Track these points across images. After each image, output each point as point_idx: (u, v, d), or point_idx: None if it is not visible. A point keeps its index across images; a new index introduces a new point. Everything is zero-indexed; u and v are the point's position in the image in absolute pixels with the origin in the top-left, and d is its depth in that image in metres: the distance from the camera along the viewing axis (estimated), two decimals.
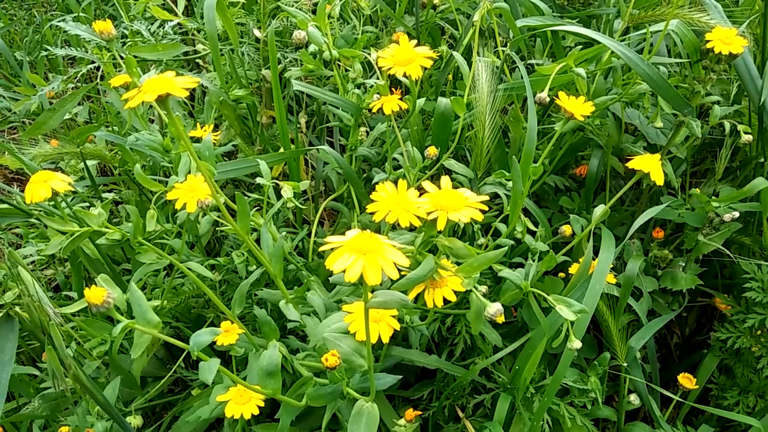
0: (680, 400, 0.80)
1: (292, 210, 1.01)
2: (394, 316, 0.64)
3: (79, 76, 0.85)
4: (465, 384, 0.74)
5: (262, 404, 0.62)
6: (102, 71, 1.01)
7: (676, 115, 0.77)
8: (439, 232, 0.52)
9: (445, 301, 0.54)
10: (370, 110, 0.93)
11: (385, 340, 0.49)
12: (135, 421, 0.72)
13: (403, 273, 0.53)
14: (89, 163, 1.12)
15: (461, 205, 0.49)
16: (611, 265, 0.78)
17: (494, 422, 0.68)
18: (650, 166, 0.59)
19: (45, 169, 1.43)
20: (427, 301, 0.54)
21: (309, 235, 0.92)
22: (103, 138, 1.02)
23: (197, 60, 1.21)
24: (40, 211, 0.71)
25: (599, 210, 0.69)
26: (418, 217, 0.50)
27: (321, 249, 0.42)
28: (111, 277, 0.82)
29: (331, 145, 1.16)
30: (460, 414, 0.76)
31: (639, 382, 0.79)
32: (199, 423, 0.77)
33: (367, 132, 0.99)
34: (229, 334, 0.72)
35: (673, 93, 0.70)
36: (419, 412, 0.58)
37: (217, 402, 0.65)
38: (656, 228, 0.86)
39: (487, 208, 0.50)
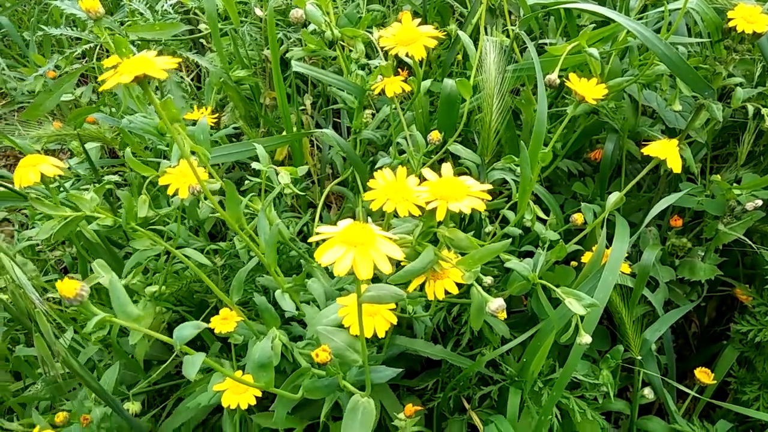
0: (696, 395, 0.77)
1: (294, 195, 0.99)
2: (393, 309, 0.62)
3: (75, 56, 0.83)
4: (471, 375, 0.72)
5: (260, 394, 0.61)
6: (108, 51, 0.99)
7: (695, 97, 0.73)
8: (440, 222, 0.49)
9: (448, 292, 0.51)
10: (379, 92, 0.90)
11: (381, 334, 0.47)
12: (133, 407, 0.70)
13: (403, 264, 0.51)
14: (94, 145, 1.10)
15: (462, 194, 0.46)
16: (626, 254, 0.75)
17: (500, 416, 0.66)
18: (667, 152, 0.55)
19: (50, 150, 1.42)
20: (428, 293, 0.51)
21: (314, 219, 0.89)
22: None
23: (201, 40, 1.19)
24: (36, 194, 0.70)
25: (613, 197, 0.65)
26: (419, 206, 0.47)
27: (311, 240, 0.40)
28: (111, 261, 0.82)
29: (338, 127, 1.13)
30: (466, 405, 0.73)
31: (653, 376, 0.76)
32: (200, 409, 0.76)
33: (373, 114, 0.96)
34: (227, 321, 0.70)
35: (692, 74, 0.66)
36: (420, 408, 0.56)
37: (213, 391, 0.64)
38: (674, 216, 0.82)
39: (489, 197, 0.47)
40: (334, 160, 0.95)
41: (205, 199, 0.60)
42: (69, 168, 1.00)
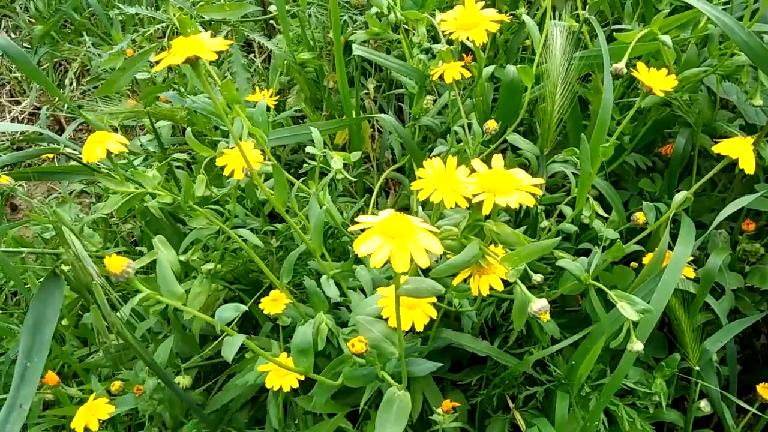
0: (757, 412, 0.72)
1: (350, 180, 0.99)
2: (434, 304, 0.61)
3: (148, 35, 0.85)
4: (517, 374, 0.70)
5: (302, 378, 0.61)
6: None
7: None
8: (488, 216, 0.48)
9: (493, 288, 0.50)
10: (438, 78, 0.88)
11: (419, 328, 0.46)
12: (183, 381, 0.73)
13: (449, 256, 0.50)
14: (165, 123, 1.14)
15: (512, 187, 0.44)
16: (690, 258, 0.71)
17: (544, 419, 0.64)
18: (740, 151, 0.51)
19: (127, 127, 1.47)
20: (473, 288, 0.50)
21: (369, 205, 0.89)
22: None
23: (272, 21, 1.20)
24: (108, 170, 0.73)
25: (679, 196, 0.62)
26: (467, 198, 0.46)
27: (350, 229, 0.40)
28: (173, 237, 0.84)
29: (401, 112, 1.12)
30: (510, 404, 0.72)
31: (712, 388, 0.72)
32: (247, 387, 0.77)
33: (434, 100, 0.94)
34: (277, 302, 0.71)
35: None
36: (457, 404, 0.55)
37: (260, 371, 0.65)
38: (747, 219, 0.77)
39: (540, 192, 0.45)
40: (393, 146, 0.94)
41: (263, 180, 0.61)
42: (141, 145, 1.04)
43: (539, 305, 0.43)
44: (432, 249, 0.38)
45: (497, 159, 0.48)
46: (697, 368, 0.71)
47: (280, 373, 0.60)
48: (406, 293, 0.41)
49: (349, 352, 0.59)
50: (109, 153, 0.61)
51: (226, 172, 0.61)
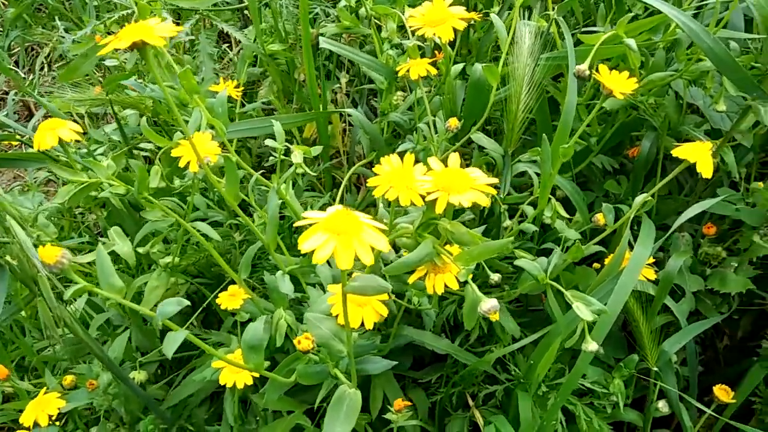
0: (713, 414, 0.73)
1: (318, 175, 0.98)
2: (394, 301, 0.60)
3: (114, 20, 0.83)
4: (477, 372, 0.70)
5: (258, 375, 0.60)
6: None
7: (745, 98, 0.67)
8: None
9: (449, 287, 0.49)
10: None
11: (369, 326, 0.45)
12: (139, 376, 0.71)
13: (404, 253, 0.49)
14: (132, 111, 1.12)
15: (466, 186, 0.44)
16: (652, 260, 0.71)
17: (501, 417, 0.64)
18: (698, 155, 0.52)
19: (95, 114, 1.44)
20: (427, 286, 0.50)
21: (335, 200, 0.88)
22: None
23: (247, 12, 1.18)
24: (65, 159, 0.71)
25: (639, 198, 0.62)
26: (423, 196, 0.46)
27: (296, 224, 0.39)
28: (135, 228, 0.83)
29: (374, 107, 1.11)
30: (471, 403, 0.72)
31: (670, 390, 0.73)
32: (207, 383, 0.76)
33: (405, 97, 0.93)
34: (235, 298, 0.70)
35: (740, 72, 0.61)
36: (408, 403, 0.55)
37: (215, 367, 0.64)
38: (708, 223, 0.77)
39: (494, 191, 0.45)
40: (362, 141, 0.94)
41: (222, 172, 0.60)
42: (105, 134, 1.02)
43: (489, 305, 0.43)
44: (378, 246, 0.37)
45: (453, 157, 0.47)
46: (656, 369, 0.71)
47: (234, 370, 0.60)
48: (352, 291, 0.40)
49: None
50: (61, 141, 0.59)
51: (181, 164, 0.60)
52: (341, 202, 0.89)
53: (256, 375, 0.60)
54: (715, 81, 0.68)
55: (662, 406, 0.73)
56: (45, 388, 0.66)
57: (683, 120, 0.79)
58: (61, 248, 0.37)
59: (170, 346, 0.40)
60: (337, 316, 0.45)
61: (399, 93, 0.93)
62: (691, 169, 0.55)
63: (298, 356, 0.56)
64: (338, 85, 1.10)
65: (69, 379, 0.69)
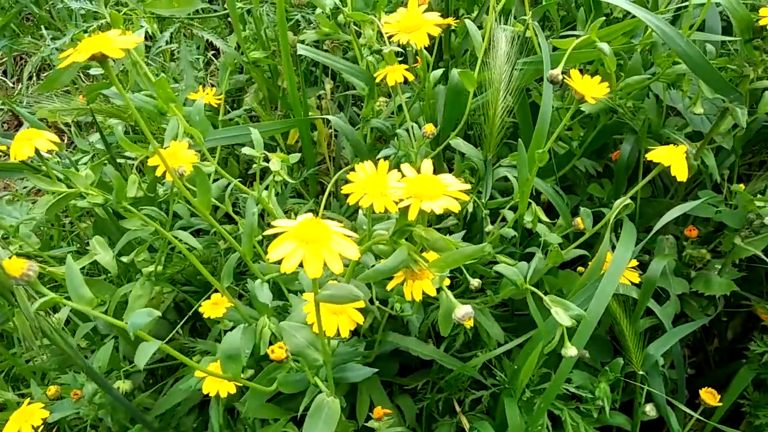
0: (700, 418, 0.72)
1: (303, 181, 0.98)
2: (378, 308, 0.60)
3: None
4: (463, 378, 0.70)
5: (240, 383, 0.60)
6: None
7: (723, 100, 0.68)
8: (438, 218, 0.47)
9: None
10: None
11: (344, 334, 0.45)
12: (124, 386, 0.71)
13: (381, 261, 0.49)
14: (117, 121, 1.11)
15: (439, 192, 0.44)
16: (636, 263, 0.71)
17: (485, 422, 0.64)
18: (672, 158, 0.52)
19: (83, 123, 1.43)
20: (405, 293, 0.50)
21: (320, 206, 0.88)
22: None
23: (230, 20, 1.18)
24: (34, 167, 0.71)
25: (619, 202, 0.62)
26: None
27: (265, 233, 0.39)
28: (119, 237, 0.82)
29: (359, 114, 1.11)
30: (457, 408, 0.71)
31: (657, 393, 0.72)
32: (194, 392, 0.76)
33: (388, 103, 0.94)
34: (218, 306, 0.70)
35: (714, 75, 0.62)
36: (389, 411, 0.54)
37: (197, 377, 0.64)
38: (690, 225, 0.77)
39: (467, 198, 0.45)
40: (345, 147, 0.94)
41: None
42: (89, 144, 1.02)
43: (463, 311, 0.43)
44: (346, 254, 0.37)
45: (427, 164, 0.47)
46: (642, 372, 0.71)
47: (217, 379, 0.59)
48: (325, 299, 0.40)
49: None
50: (38, 151, 0.59)
51: (158, 173, 0.60)
52: (326, 208, 0.89)
53: (239, 384, 0.60)
54: (692, 84, 0.69)
55: (650, 409, 0.73)
56: (28, 399, 0.65)
57: (664, 123, 0.79)
58: (27, 261, 0.37)
59: (141, 357, 0.40)
60: (312, 324, 0.45)
61: (382, 99, 0.93)
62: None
63: (278, 365, 0.56)
64: (323, 91, 1.10)
65: (53, 389, 0.68)
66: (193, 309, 0.81)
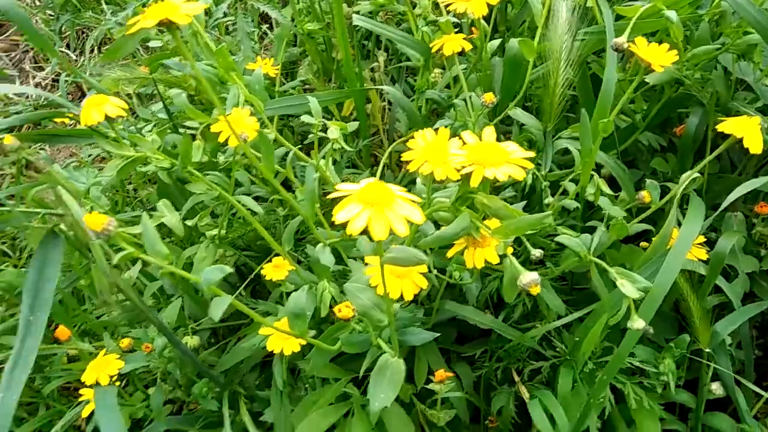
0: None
1: (357, 152, 0.98)
2: (436, 276, 0.60)
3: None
4: (522, 348, 0.70)
5: (304, 342, 0.62)
6: None
7: None
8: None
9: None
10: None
11: (408, 297, 0.46)
12: (191, 341, 0.74)
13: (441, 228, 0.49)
14: (178, 90, 1.14)
15: (501, 160, 0.43)
16: (703, 239, 0.69)
17: (547, 392, 0.63)
18: (745, 130, 0.50)
19: (145, 94, 1.48)
20: (467, 260, 0.50)
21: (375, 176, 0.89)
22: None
23: None
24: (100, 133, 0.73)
25: (686, 175, 0.60)
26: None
27: (329, 197, 0.40)
28: (183, 201, 0.85)
29: (413, 86, 1.11)
30: (516, 378, 0.71)
31: (725, 372, 0.71)
32: (257, 350, 0.78)
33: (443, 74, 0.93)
34: (279, 269, 0.72)
35: None
36: (450, 374, 0.55)
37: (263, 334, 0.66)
38: (761, 202, 0.74)
39: (531, 165, 0.44)
40: (399, 119, 0.93)
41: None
42: (152, 113, 1.05)
43: (529, 278, 0.43)
44: (412, 218, 0.37)
45: (488, 131, 0.47)
46: (709, 350, 0.69)
47: (282, 337, 0.61)
48: (389, 262, 0.41)
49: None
50: (107, 117, 0.61)
51: (221, 139, 0.62)
52: (381, 179, 0.90)
53: (303, 342, 0.62)
54: (763, 55, 0.65)
55: (716, 388, 0.71)
56: (104, 350, 0.69)
57: (733, 96, 0.75)
58: (107, 216, 0.39)
59: (217, 309, 0.41)
60: (376, 287, 0.46)
61: (437, 71, 0.93)
62: (744, 147, 0.53)
63: (342, 326, 0.57)
64: (376, 63, 1.10)
65: (126, 342, 0.72)
66: (255, 272, 0.83)
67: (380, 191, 0.37)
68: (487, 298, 0.73)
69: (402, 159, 0.48)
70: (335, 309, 0.47)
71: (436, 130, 0.48)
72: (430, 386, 0.58)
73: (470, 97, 0.67)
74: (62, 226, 0.53)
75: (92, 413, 0.65)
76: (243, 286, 0.85)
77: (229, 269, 0.42)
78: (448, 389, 0.59)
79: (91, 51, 1.67)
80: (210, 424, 0.83)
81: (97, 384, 0.65)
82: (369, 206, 0.36)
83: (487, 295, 0.73)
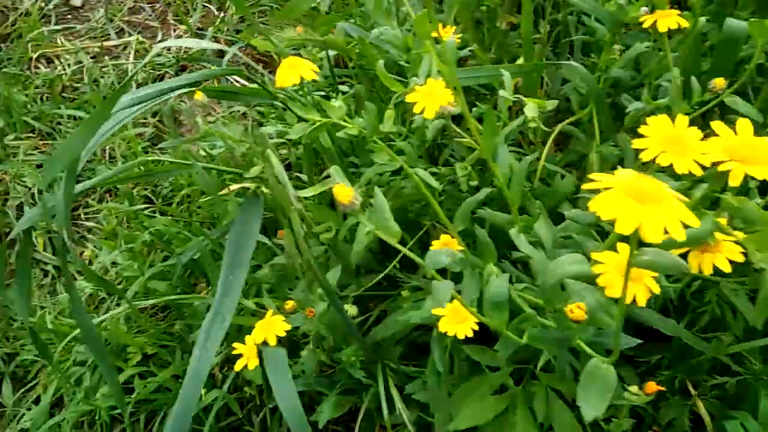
0: None
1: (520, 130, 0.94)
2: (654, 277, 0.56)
3: None
4: (705, 360, 0.65)
5: (477, 328, 0.59)
6: None
7: None
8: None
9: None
10: (626, 25, 0.79)
11: (641, 302, 0.42)
12: (351, 310, 0.74)
13: None
14: (330, 53, 1.14)
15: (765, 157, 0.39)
16: None
17: (746, 413, 0.58)
18: None
19: (291, 54, 1.49)
20: (692, 265, 0.46)
21: (538, 159, 0.85)
22: (343, 29, 1.01)
23: None
24: (285, 95, 0.73)
25: None
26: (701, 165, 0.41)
27: (585, 186, 0.36)
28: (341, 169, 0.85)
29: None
30: (692, 391, 0.66)
31: None
32: (404, 325, 0.78)
33: (621, 51, 0.86)
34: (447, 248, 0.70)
35: None
36: (662, 388, 0.51)
37: (430, 312, 0.64)
38: None
39: None
40: (570, 97, 0.88)
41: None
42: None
43: None
44: (688, 221, 0.34)
45: (744, 123, 0.42)
46: None
47: (456, 319, 0.59)
48: (641, 265, 0.37)
49: (530, 310, 0.57)
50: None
51: (416, 110, 0.59)
52: (544, 159, 0.85)
53: (476, 328, 0.60)
54: None
55: None
56: (270, 310, 0.69)
57: None
58: (353, 189, 0.38)
59: (441, 296, 0.40)
60: (603, 288, 0.43)
61: (614, 47, 0.87)
62: None
63: (526, 317, 0.54)
64: (538, 34, 1.04)
65: (290, 304, 0.72)
66: (409, 245, 0.81)
67: (651, 187, 0.33)
68: (666, 301, 0.68)
69: (633, 146, 0.43)
70: (566, 309, 0.44)
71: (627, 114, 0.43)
72: (627, 396, 0.53)
73: (684, 81, 0.61)
74: (263, 188, 0.53)
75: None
76: (396, 260, 0.84)
77: (459, 254, 0.40)
78: (645, 401, 0.54)
79: (227, 9, 1.70)
80: (347, 390, 0.83)
81: (265, 344, 0.66)
82: (638, 203, 0.33)
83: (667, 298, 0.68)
